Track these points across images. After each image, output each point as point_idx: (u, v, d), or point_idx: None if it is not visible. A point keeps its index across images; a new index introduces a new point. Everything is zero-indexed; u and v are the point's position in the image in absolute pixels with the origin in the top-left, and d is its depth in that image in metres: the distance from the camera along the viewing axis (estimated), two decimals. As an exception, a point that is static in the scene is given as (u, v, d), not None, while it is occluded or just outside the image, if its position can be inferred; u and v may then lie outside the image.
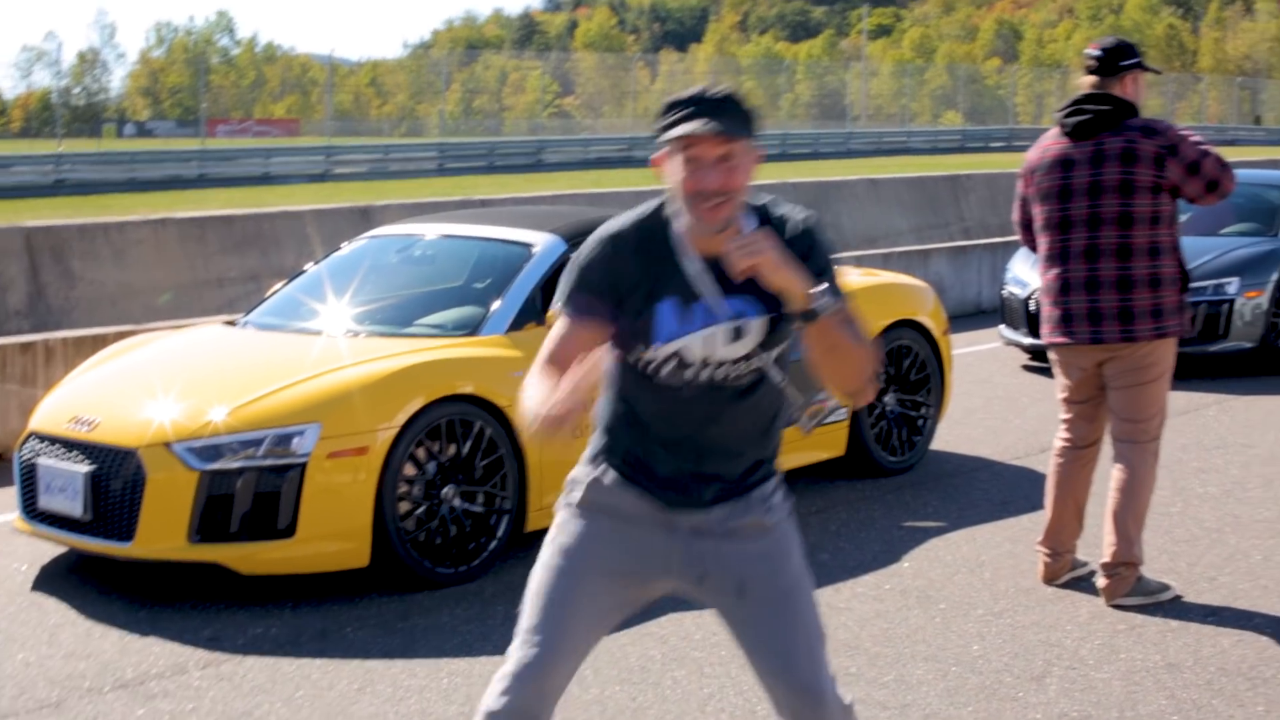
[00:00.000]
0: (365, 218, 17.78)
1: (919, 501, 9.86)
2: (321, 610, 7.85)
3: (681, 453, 4.38)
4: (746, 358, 4.28)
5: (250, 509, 7.86)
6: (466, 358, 8.56)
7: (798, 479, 10.27)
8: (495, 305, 9.01)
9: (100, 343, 11.51)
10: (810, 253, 4.23)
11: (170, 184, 48.52)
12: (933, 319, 10.83)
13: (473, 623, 7.63)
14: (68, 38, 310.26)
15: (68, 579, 8.46)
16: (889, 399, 10.55)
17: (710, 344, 4.25)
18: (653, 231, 4.29)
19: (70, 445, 8.25)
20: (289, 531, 7.87)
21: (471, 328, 8.91)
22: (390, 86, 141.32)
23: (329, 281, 9.85)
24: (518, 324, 8.92)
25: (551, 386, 4.08)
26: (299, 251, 16.89)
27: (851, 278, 10.88)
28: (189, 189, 46.81)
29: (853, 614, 7.66)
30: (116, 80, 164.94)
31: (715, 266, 4.21)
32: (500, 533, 8.44)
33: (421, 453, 8.19)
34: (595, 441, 4.51)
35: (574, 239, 9.51)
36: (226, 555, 7.87)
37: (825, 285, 4.12)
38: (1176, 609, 7.65)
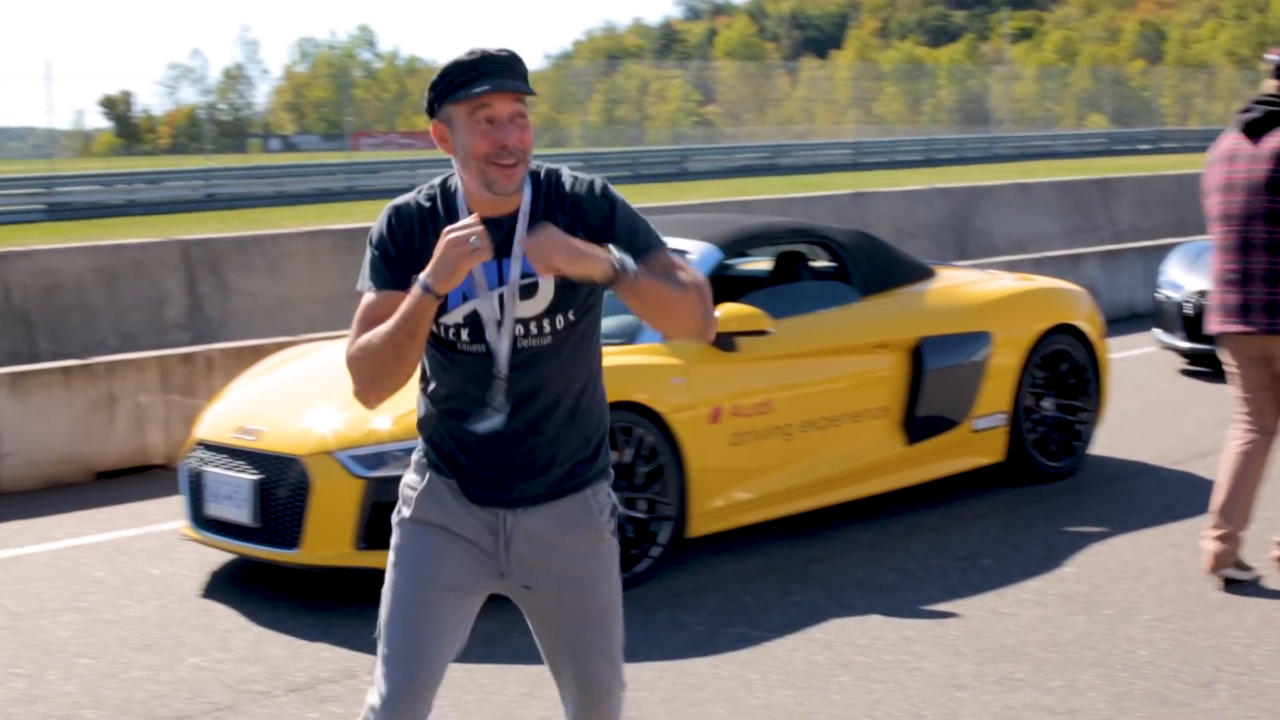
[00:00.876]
0: (517, 227, 17.86)
1: (1080, 507, 9.78)
2: (488, 615, 7.83)
3: (497, 442, 4.33)
4: (547, 316, 4.26)
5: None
6: (626, 365, 8.58)
7: (957, 484, 10.23)
8: (652, 312, 9.02)
9: (259, 353, 11.67)
10: (613, 215, 4.25)
11: (318, 197, 48.99)
12: (1089, 323, 10.74)
13: (638, 629, 7.62)
14: (213, 55, 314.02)
15: (237, 585, 8.57)
16: (1047, 403, 10.48)
17: (501, 304, 4.23)
18: (437, 202, 4.30)
19: (236, 454, 8.36)
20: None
21: (629, 335, 8.93)
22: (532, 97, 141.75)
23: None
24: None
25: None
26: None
27: (1007, 282, 10.83)
28: (336, 202, 47.26)
29: (1017, 619, 7.62)
30: (261, 96, 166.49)
31: (496, 225, 4.21)
32: (663, 539, 8.46)
33: (582, 460, 8.21)
34: (419, 446, 4.49)
35: (729, 246, 9.54)
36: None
37: (618, 252, 4.08)
38: (1348, 614, 7.56)
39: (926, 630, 7.48)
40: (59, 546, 9.59)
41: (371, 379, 4.25)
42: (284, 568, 8.28)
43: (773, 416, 9.03)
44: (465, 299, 4.23)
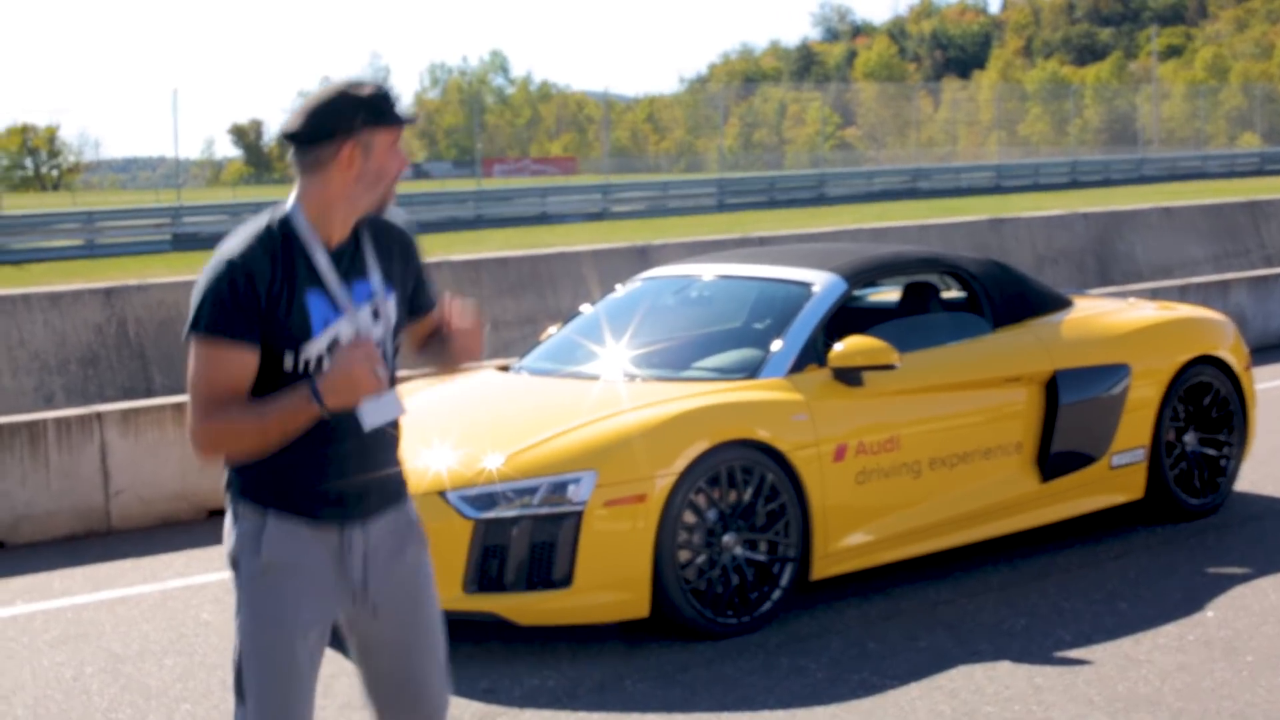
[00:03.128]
0: (643, 257, 17.65)
1: (1222, 546, 9.39)
2: (600, 661, 7.67)
3: (345, 461, 4.48)
4: (394, 334, 4.55)
5: (526, 558, 7.72)
6: (746, 401, 8.33)
7: (1095, 523, 9.88)
8: (775, 347, 8.77)
9: (383, 386, 11.49)
10: (416, 254, 4.69)
11: (447, 225, 49.15)
12: (1233, 354, 10.35)
13: (756, 674, 7.38)
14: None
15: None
16: (1189, 438, 10.09)
17: (361, 322, 4.44)
18: (274, 237, 4.39)
19: (347, 494, 8.16)
20: (566, 581, 7.71)
21: (750, 370, 8.68)
22: (667, 122, 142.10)
23: (604, 325, 9.70)
24: (798, 366, 8.66)
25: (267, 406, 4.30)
26: (576, 293, 16.80)
27: (1146, 312, 10.47)
28: (466, 230, 47.38)
29: (1154, 667, 7.27)
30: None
31: (338, 256, 4.45)
32: (784, 581, 8.19)
33: (701, 500, 7.98)
34: (244, 485, 4.49)
35: (854, 277, 9.25)
36: (503, 606, 7.72)
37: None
38: None
39: (1057, 678, 7.15)
40: (167, 587, 9.45)
41: (226, 453, 4.40)
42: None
43: (900, 453, 8.73)
44: (326, 326, 4.41)
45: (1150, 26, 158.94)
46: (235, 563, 4.49)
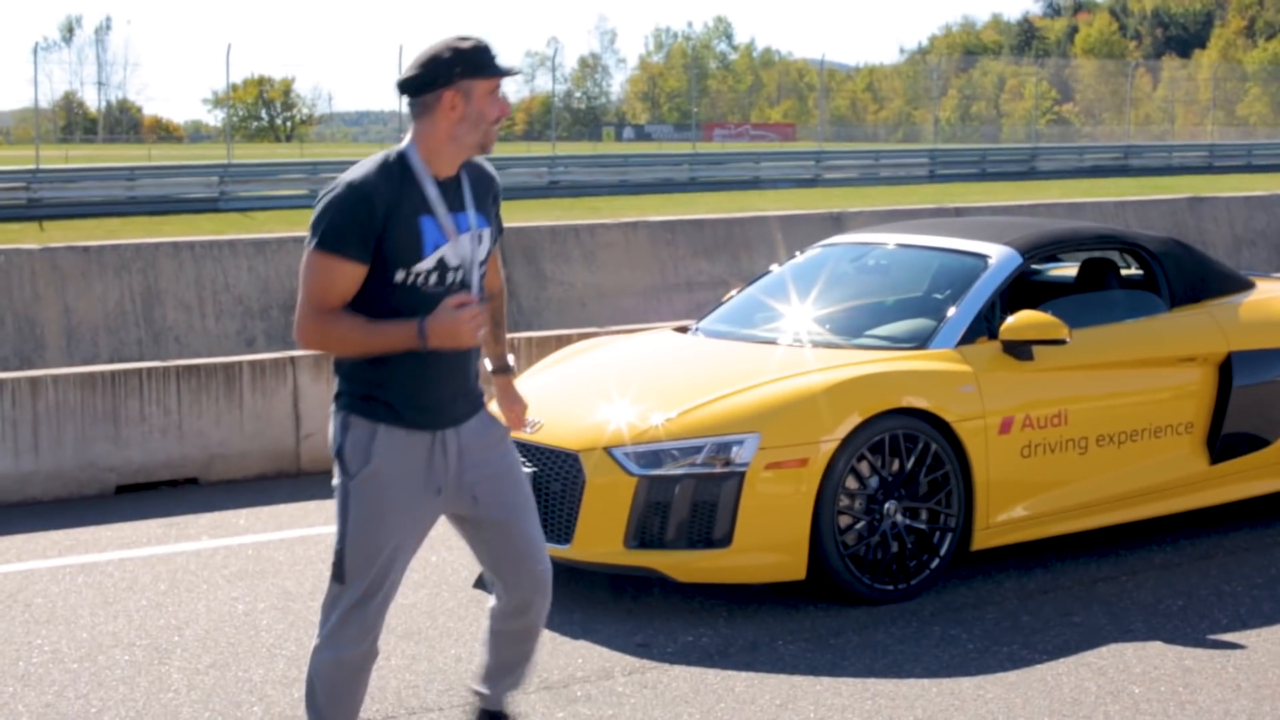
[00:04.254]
0: (837, 224, 17.69)
1: (1396, 536, 9.31)
2: (754, 621, 7.77)
3: (441, 376, 5.20)
4: (485, 261, 5.28)
5: (688, 516, 7.83)
6: (914, 371, 8.37)
7: (1263, 507, 9.79)
8: (947, 317, 8.80)
9: (562, 344, 11.66)
10: (499, 198, 5.44)
11: (661, 187, 49.18)
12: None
13: (907, 642, 7.44)
14: (569, 43, 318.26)
15: (510, 578, 8.54)
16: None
17: (463, 248, 5.16)
18: (393, 168, 5.08)
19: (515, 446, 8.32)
20: (726, 541, 7.81)
21: (921, 340, 8.72)
22: (886, 92, 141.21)
23: (781, 290, 9.78)
24: (968, 338, 8.68)
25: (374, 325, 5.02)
26: (769, 256, 16.87)
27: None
28: (679, 192, 47.46)
29: (1309, 655, 7.23)
30: (616, 85, 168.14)
31: (444, 189, 5.16)
32: (944, 551, 8.23)
33: (864, 466, 8.04)
34: (356, 399, 5.18)
35: (1030, 251, 9.24)
36: (662, 562, 7.85)
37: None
38: None
39: (1208, 661, 7.13)
40: (346, 529, 9.67)
41: (327, 351, 5.13)
42: (555, 563, 8.22)
43: (1067, 429, 8.72)
44: (436, 249, 5.10)
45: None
46: (344, 464, 5.19)
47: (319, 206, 5.04)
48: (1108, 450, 8.89)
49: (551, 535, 7.99)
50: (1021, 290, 9.62)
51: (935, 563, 8.20)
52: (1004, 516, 8.49)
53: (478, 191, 5.29)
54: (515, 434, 8.33)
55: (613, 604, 8.04)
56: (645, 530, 7.83)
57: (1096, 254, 9.94)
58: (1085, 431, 8.78)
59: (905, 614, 7.87)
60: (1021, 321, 8.56)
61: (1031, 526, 8.65)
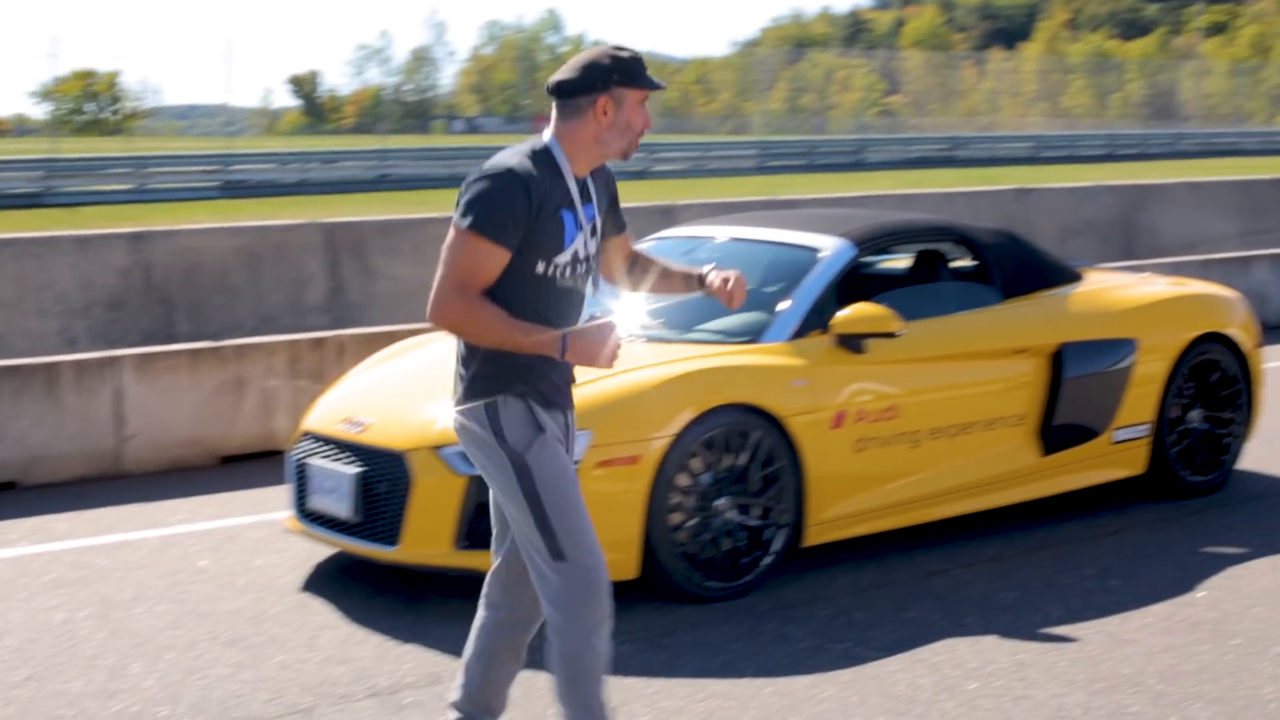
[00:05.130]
0: (668, 217, 17.60)
1: (1221, 525, 9.34)
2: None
3: (568, 370, 5.46)
4: (598, 252, 5.52)
5: (517, 518, 7.68)
6: (746, 365, 8.28)
7: (1094, 497, 9.83)
8: (779, 311, 8.72)
9: (391, 340, 11.50)
10: (616, 191, 5.66)
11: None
12: (1243, 331, 10.28)
13: (740, 640, 7.35)
14: (400, 36, 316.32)
15: (338, 580, 8.38)
16: (1194, 415, 10.03)
17: (590, 241, 5.38)
18: (541, 161, 5.24)
19: (341, 446, 8.16)
20: (557, 540, 7.67)
21: (754, 334, 8.63)
22: (716, 84, 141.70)
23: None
24: (801, 331, 8.61)
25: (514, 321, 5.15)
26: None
27: (1157, 287, 10.41)
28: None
29: (1139, 647, 7.21)
30: (447, 77, 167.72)
31: (580, 184, 5.35)
32: (776, 547, 8.15)
33: (696, 463, 7.93)
34: (506, 384, 5.30)
35: (864, 243, 9.19)
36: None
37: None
38: None
39: (1041, 654, 7.10)
40: (170, 533, 9.47)
41: (461, 334, 5.25)
42: (382, 566, 8.07)
43: (900, 422, 8.68)
44: (572, 242, 5.29)
45: (1196, 3, 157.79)
46: (511, 441, 5.29)
47: (475, 189, 5.14)
48: (940, 443, 8.86)
49: (380, 537, 7.83)
50: (855, 283, 9.56)
51: (768, 559, 8.12)
52: (837, 512, 8.44)
53: (599, 185, 5.48)
54: (339, 435, 8.20)
55: (443, 606, 7.88)
56: (475, 531, 7.67)
57: (929, 246, 9.91)
58: (918, 425, 8.75)
59: (738, 612, 7.79)
60: (854, 315, 8.51)
61: (864, 521, 8.60)
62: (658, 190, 39.50)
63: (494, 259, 5.12)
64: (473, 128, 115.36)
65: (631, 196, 33.54)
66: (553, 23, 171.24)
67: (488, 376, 5.28)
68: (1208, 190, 23.80)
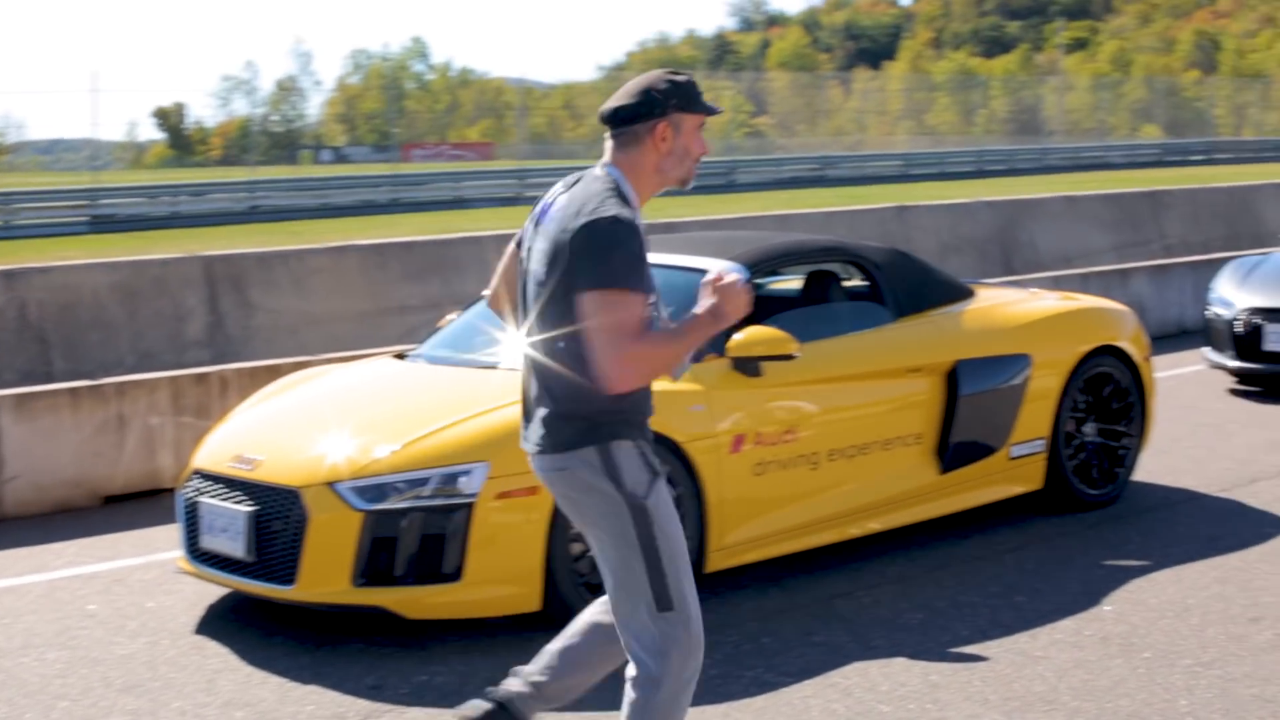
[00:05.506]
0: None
1: (1121, 538, 9.33)
2: (490, 657, 7.50)
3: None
4: None
5: (416, 551, 7.55)
6: (642, 391, 8.17)
7: (993, 514, 9.80)
8: (673, 335, 8.60)
9: (275, 373, 11.32)
10: None
11: (362, 209, 48.77)
12: (1134, 344, 10.30)
13: (647, 671, 7.23)
14: (266, 66, 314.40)
15: (232, 621, 8.19)
16: (1088, 429, 10.04)
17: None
18: (625, 198, 5.11)
19: (233, 484, 7.99)
20: (456, 575, 7.55)
21: (647, 360, 8.51)
22: (584, 109, 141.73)
23: (503, 311, 9.53)
24: (697, 356, 8.48)
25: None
26: (481, 277, 16.57)
27: (1048, 302, 10.41)
28: (381, 214, 47.03)
29: (1050, 663, 7.17)
30: (314, 107, 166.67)
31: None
32: (678, 574, 8.04)
33: (594, 491, 7.81)
34: (617, 427, 5.17)
35: (755, 266, 9.12)
36: (391, 599, 7.56)
37: None
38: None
39: (953, 675, 7.04)
40: (55, 577, 9.24)
41: (647, 378, 5.13)
42: (279, 605, 7.90)
43: (798, 445, 8.61)
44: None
45: (1057, 20, 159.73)
46: (630, 488, 5.11)
47: (597, 244, 4.96)
48: (839, 464, 8.81)
49: (276, 576, 7.66)
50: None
51: (671, 587, 8.00)
52: (738, 537, 8.35)
53: None
54: (230, 473, 8.02)
55: (343, 645, 7.72)
56: (373, 567, 7.53)
57: (820, 266, 9.86)
58: (816, 447, 8.69)
59: (644, 641, 7.66)
60: (750, 338, 8.42)
61: (766, 545, 8.52)
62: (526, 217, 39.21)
63: (643, 309, 4.98)
64: (340, 157, 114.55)
65: (506, 223, 33.48)
66: (419, 50, 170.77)
67: (592, 418, 5.12)
68: (1082, 204, 23.96)
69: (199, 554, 8.14)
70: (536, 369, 5.21)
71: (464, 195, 52.78)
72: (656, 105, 5.12)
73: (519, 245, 5.50)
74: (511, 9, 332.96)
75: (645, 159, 5.16)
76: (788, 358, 8.44)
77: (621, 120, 5.16)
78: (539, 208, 5.35)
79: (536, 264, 5.19)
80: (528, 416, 5.29)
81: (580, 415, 5.11)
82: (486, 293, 9.91)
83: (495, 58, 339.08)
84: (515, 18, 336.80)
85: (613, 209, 4.97)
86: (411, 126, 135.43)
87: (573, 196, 5.14)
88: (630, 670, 5.14)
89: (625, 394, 5.05)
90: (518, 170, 59.54)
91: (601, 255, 4.92)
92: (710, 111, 5.20)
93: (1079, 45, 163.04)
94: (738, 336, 8.45)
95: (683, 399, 8.20)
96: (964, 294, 10.04)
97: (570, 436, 5.12)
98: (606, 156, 5.23)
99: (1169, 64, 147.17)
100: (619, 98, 5.17)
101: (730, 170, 60.58)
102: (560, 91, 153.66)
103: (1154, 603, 8.06)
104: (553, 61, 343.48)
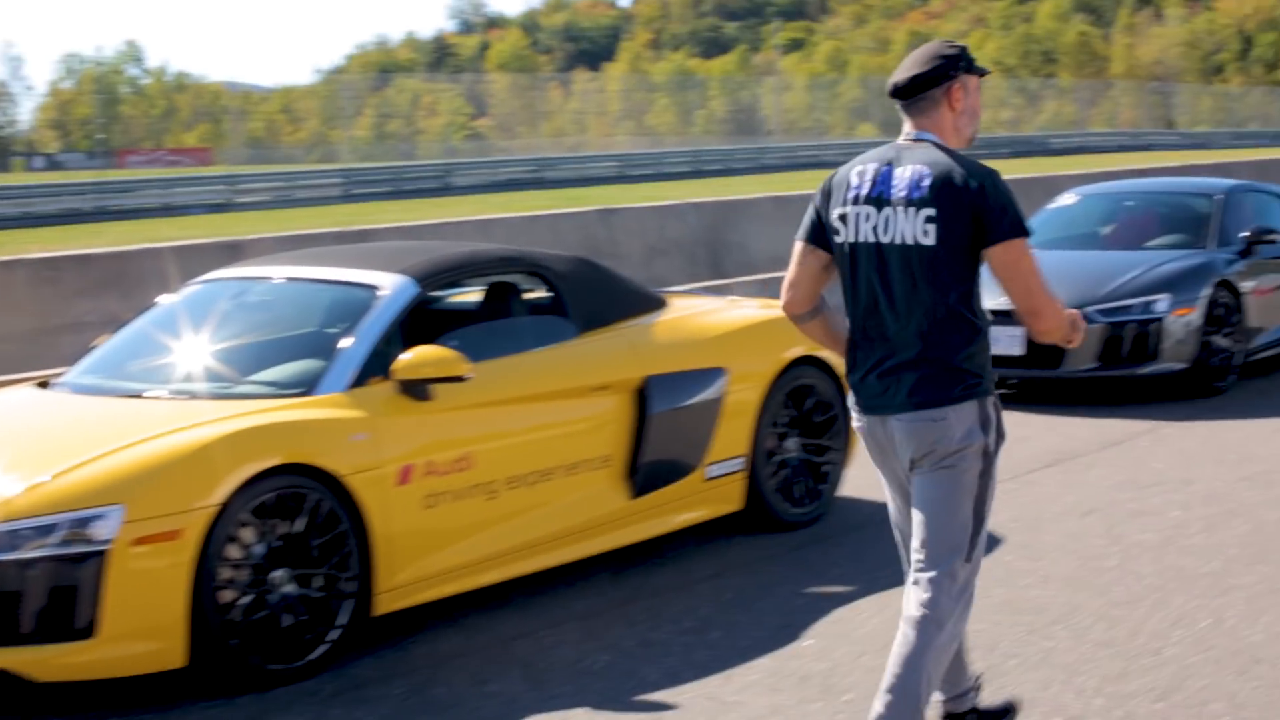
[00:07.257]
0: (236, 253, 16.58)
1: (825, 561, 8.79)
2: (129, 722, 6.74)
3: None
4: None
5: (45, 606, 6.73)
6: (298, 421, 7.45)
7: (689, 538, 9.21)
8: (335, 358, 7.91)
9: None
10: None
11: (68, 218, 47.17)
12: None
13: (304, 731, 6.53)
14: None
15: None
16: (790, 444, 9.51)
17: None
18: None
19: None
20: (89, 631, 6.74)
21: (307, 385, 7.80)
22: (302, 113, 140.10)
23: (154, 335, 8.75)
24: (360, 379, 7.81)
25: None
26: (162, 291, 15.69)
27: (746, 311, 9.87)
28: (86, 223, 45.51)
29: (744, 710, 6.56)
30: (25, 113, 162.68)
31: None
32: (341, 620, 7.33)
33: (247, 533, 7.07)
34: (987, 382, 5.44)
35: (427, 279, 8.44)
36: (18, 660, 6.73)
37: None
38: (1120, 690, 6.61)
39: (638, 728, 6.42)
40: None
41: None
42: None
43: (473, 473, 7.95)
44: None
45: (774, 21, 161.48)
46: (993, 445, 5.40)
47: (1006, 196, 5.24)
48: (520, 492, 8.16)
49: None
50: (423, 322, 8.77)
51: (334, 634, 7.29)
52: (409, 575, 7.66)
53: None
54: None
55: (-37, 715, 6.90)
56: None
57: (500, 278, 9.19)
58: (493, 474, 8.04)
59: (303, 695, 6.96)
60: (416, 359, 7.75)
61: (441, 584, 7.84)
62: (239, 223, 38.26)
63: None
64: (54, 164, 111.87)
65: (212, 230, 32.48)
66: (133, 54, 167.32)
67: (977, 372, 5.37)
68: (793, 204, 23.56)
69: None
70: (917, 330, 5.34)
71: (173, 202, 51.44)
72: (950, 68, 5.40)
73: (814, 239, 5.69)
74: (228, 12, 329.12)
75: (945, 120, 5.41)
76: (459, 379, 7.78)
77: (920, 86, 5.39)
78: (860, 186, 5.42)
79: (908, 232, 5.28)
80: (891, 374, 5.43)
81: (966, 370, 5.33)
82: (158, 301, 9.14)
83: (212, 61, 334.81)
84: (232, 21, 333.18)
85: (984, 166, 5.28)
86: (127, 132, 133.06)
87: (922, 166, 5.30)
88: (915, 611, 5.37)
89: (989, 350, 5.40)
90: (229, 176, 58.27)
91: (1011, 205, 5.23)
92: (985, 72, 5.51)
93: (796, 46, 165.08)
94: (404, 357, 7.78)
95: (343, 428, 7.49)
96: (655, 304, 9.46)
97: (957, 390, 5.32)
98: (908, 128, 5.45)
99: (884, 64, 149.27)
100: (912, 66, 5.41)
101: (446, 173, 60.01)
102: (279, 95, 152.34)
103: (857, 635, 7.51)
104: (271, 65, 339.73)
